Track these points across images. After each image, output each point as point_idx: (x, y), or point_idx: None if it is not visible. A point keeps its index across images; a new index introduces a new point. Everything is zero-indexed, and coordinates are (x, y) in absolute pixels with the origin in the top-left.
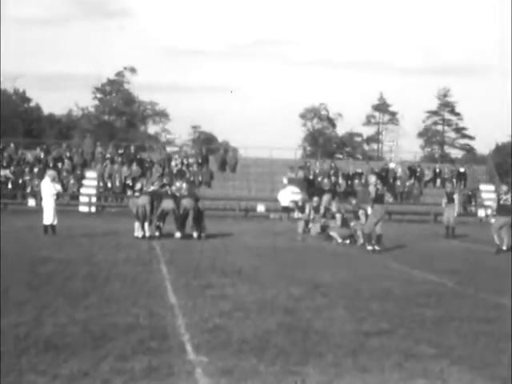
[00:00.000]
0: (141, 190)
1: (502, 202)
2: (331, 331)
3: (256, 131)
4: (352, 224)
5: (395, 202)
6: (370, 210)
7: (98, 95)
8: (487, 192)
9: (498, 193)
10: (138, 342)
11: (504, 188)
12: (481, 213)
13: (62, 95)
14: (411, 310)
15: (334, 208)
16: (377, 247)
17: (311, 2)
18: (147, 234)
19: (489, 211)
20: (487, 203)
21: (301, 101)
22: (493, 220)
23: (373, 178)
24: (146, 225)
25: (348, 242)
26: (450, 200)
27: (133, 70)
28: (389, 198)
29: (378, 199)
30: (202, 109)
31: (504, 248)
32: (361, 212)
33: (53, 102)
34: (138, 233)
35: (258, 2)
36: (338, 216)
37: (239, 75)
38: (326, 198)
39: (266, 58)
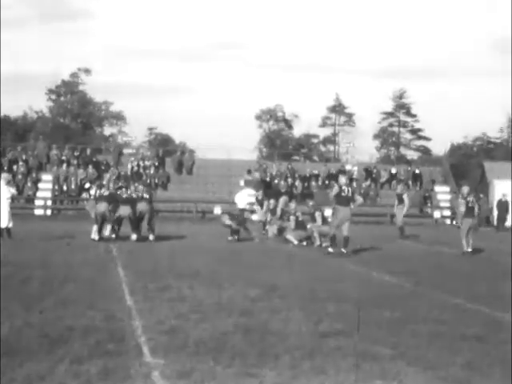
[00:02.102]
0: (96, 193)
1: (469, 204)
2: (288, 333)
3: (213, 133)
4: (308, 226)
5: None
6: (319, 213)
7: (53, 97)
8: (442, 193)
9: (463, 194)
10: (95, 345)
11: (465, 190)
12: (436, 214)
13: (19, 97)
14: (368, 312)
15: (290, 210)
16: (343, 249)
17: (266, 5)
18: (104, 235)
19: (445, 212)
20: (442, 204)
21: (257, 102)
22: (456, 223)
23: (343, 179)
24: (106, 227)
25: (305, 243)
26: (401, 201)
27: (87, 71)
28: (359, 200)
29: (343, 201)
30: (159, 110)
31: (469, 250)
32: (317, 214)
33: (9, 104)
34: (95, 235)
35: (215, 4)
36: (292, 218)
37: (196, 77)
38: (282, 199)
39: (222, 60)
